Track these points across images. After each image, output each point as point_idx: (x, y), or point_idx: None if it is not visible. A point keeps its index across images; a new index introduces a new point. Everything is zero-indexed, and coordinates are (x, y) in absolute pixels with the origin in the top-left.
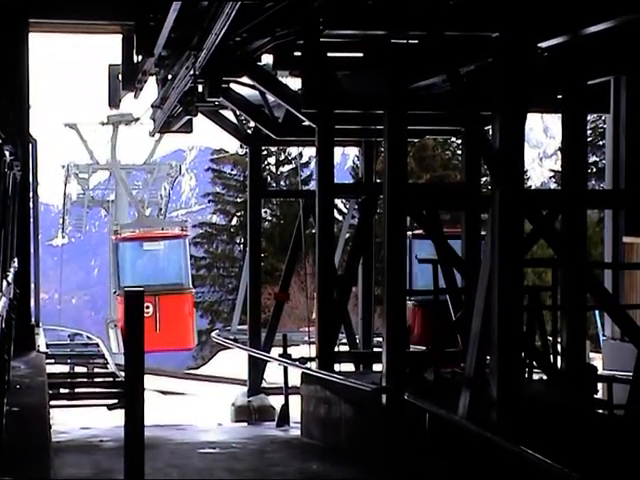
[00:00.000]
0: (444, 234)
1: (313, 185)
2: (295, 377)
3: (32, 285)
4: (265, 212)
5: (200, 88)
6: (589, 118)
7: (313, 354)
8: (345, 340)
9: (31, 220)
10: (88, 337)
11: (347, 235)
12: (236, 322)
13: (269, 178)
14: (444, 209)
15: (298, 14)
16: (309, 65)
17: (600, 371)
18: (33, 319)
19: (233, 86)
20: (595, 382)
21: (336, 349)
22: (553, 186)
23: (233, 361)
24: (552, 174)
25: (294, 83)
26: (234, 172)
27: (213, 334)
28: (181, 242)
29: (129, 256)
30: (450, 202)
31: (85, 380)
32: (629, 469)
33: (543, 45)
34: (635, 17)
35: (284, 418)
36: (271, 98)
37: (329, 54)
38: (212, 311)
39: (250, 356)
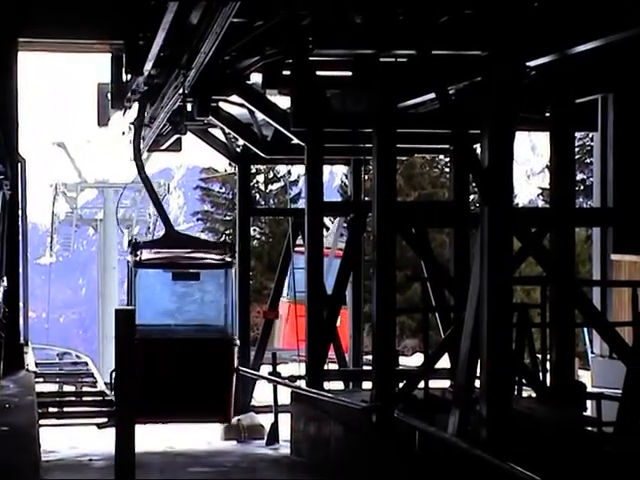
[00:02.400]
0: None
1: (302, 203)
2: (285, 395)
3: (21, 304)
4: (254, 230)
5: (189, 107)
6: (577, 136)
7: (302, 372)
8: (334, 358)
9: (20, 239)
10: (77, 356)
11: None
12: None
13: (258, 196)
14: (433, 227)
15: (287, 33)
16: (298, 84)
17: (589, 388)
18: (22, 338)
19: (222, 105)
20: (584, 399)
21: (325, 367)
22: (541, 204)
23: None
24: (540, 192)
25: (283, 102)
26: (223, 190)
27: None
28: (225, 273)
29: (151, 288)
30: (438, 220)
31: (74, 399)
32: None
33: (531, 64)
34: (622, 37)
35: (274, 436)
36: (260, 117)
37: (318, 73)
38: None
39: (239, 374)
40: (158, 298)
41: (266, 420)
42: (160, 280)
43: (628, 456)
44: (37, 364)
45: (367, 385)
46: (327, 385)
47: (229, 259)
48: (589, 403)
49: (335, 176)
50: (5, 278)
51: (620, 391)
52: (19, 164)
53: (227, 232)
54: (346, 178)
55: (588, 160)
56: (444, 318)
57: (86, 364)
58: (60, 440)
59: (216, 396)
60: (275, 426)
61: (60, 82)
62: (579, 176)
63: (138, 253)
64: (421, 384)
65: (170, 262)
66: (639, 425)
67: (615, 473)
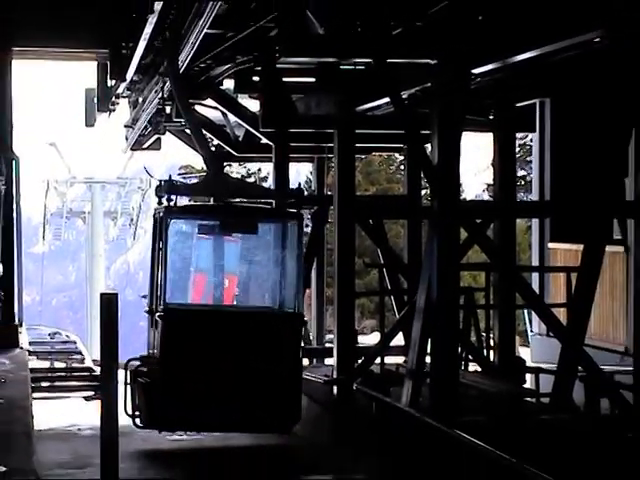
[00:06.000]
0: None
1: None
2: None
3: (16, 288)
4: None
5: (168, 109)
6: (517, 136)
7: None
8: None
9: (14, 230)
10: (67, 335)
11: None
12: None
13: None
14: (389, 218)
15: (257, 43)
16: (267, 89)
17: (528, 363)
18: (17, 319)
19: (198, 108)
20: (524, 373)
21: None
22: (486, 197)
23: None
24: (485, 187)
25: (253, 105)
26: None
27: None
28: (289, 227)
29: (186, 247)
30: (394, 212)
31: (64, 374)
32: (556, 453)
33: (476, 71)
34: (557, 47)
35: None
36: (232, 118)
37: (285, 79)
38: None
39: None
40: (201, 262)
41: None
42: (201, 237)
43: (562, 423)
44: (30, 343)
45: (329, 361)
46: None
47: (294, 210)
48: (528, 376)
49: (299, 174)
50: (1, 265)
51: (556, 366)
52: (13, 161)
53: None
54: (311, 175)
55: (528, 158)
56: (399, 301)
57: (75, 343)
58: (51, 411)
59: (280, 395)
60: None
61: (52, 88)
62: (520, 173)
63: (167, 192)
64: (378, 360)
65: (216, 210)
66: (572, 396)
67: (551, 438)
